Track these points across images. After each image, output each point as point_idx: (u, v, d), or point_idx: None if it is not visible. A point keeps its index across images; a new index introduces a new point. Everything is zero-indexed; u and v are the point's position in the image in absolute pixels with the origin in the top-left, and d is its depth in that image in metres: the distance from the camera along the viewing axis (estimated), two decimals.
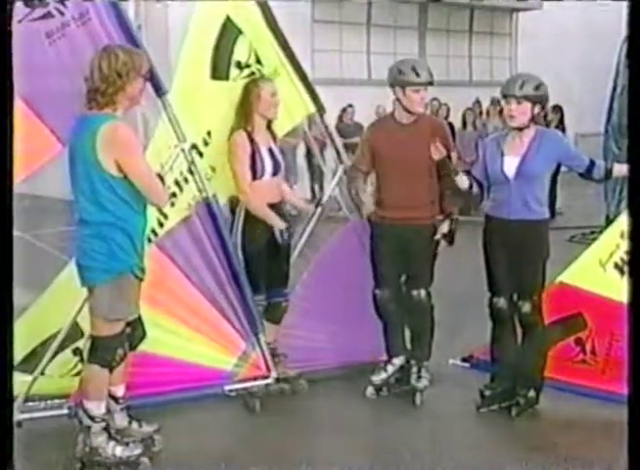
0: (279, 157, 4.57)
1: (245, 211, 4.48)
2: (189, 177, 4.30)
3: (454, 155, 4.69)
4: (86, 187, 3.57)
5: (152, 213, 4.11)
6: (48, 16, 3.76)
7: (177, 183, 4.26)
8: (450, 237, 4.62)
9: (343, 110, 12.83)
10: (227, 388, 4.40)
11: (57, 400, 4.09)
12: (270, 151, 4.51)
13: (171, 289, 4.30)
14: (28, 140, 3.56)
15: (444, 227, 4.63)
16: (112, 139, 3.50)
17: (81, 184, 3.59)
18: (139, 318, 3.88)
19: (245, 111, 4.44)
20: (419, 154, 4.48)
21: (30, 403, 4.05)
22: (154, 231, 4.22)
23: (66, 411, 4.00)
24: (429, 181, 4.57)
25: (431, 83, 4.54)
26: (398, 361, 4.73)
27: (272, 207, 4.52)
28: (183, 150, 4.20)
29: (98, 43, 3.76)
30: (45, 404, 4.05)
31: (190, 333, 4.32)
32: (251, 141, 4.42)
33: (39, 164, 3.84)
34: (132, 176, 3.55)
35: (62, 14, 3.80)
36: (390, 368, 4.72)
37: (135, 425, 3.98)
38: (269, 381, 4.49)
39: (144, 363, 4.14)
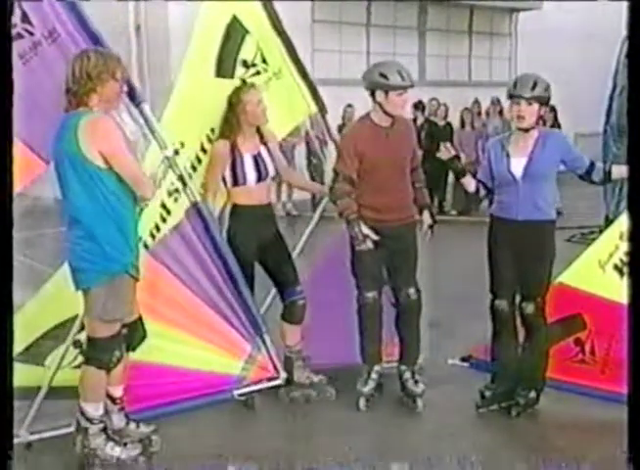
0: (268, 162, 4.54)
1: (230, 213, 4.49)
2: (188, 176, 4.29)
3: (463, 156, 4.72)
4: (75, 184, 3.58)
5: (155, 209, 4.12)
6: (18, 37, 3.73)
7: (181, 178, 4.24)
8: (432, 227, 4.72)
9: (345, 110, 12.81)
10: (236, 392, 4.38)
11: (64, 421, 4.01)
12: (256, 157, 4.50)
13: (171, 298, 4.28)
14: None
15: (428, 218, 4.73)
16: (93, 131, 3.52)
17: (70, 183, 3.60)
18: (140, 319, 3.89)
19: (230, 123, 4.44)
20: (401, 155, 4.55)
21: (40, 426, 4.01)
22: (157, 227, 4.21)
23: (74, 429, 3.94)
24: (409, 180, 4.64)
25: (412, 85, 4.47)
26: (379, 368, 4.69)
27: (259, 209, 4.53)
28: (167, 157, 4.15)
29: (70, 58, 3.72)
30: (54, 424, 3.99)
31: (194, 341, 4.30)
32: (234, 150, 4.43)
33: (24, 184, 3.78)
34: (116, 166, 3.56)
35: (31, 34, 3.77)
36: (375, 376, 4.66)
37: (133, 425, 3.98)
38: (279, 382, 4.47)
39: (150, 375, 4.15)
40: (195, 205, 4.26)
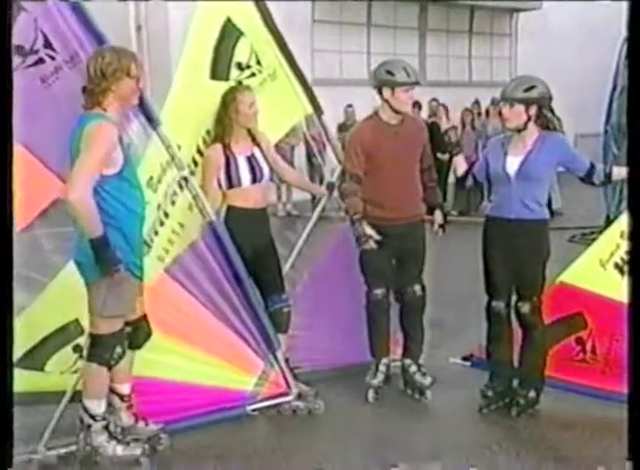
0: (262, 163, 4.51)
1: (224, 215, 4.46)
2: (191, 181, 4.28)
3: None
4: None
5: (153, 212, 4.13)
6: (40, 62, 3.81)
7: (177, 181, 4.25)
8: (444, 225, 4.77)
9: (346, 110, 12.80)
10: (249, 408, 4.38)
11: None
12: (250, 159, 4.47)
13: (185, 315, 4.28)
14: (32, 185, 3.66)
15: (439, 217, 4.78)
16: (90, 136, 3.52)
17: None
18: (144, 317, 3.90)
19: (223, 123, 4.43)
20: (410, 153, 4.59)
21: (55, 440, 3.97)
22: (155, 231, 4.20)
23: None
24: (417, 178, 4.68)
25: (418, 82, 4.56)
26: (387, 361, 4.77)
27: (254, 213, 4.50)
28: (184, 178, 4.18)
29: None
30: (70, 440, 3.93)
31: (208, 357, 4.30)
32: (227, 153, 4.41)
33: (44, 205, 3.87)
34: (77, 159, 3.52)
35: (53, 58, 3.83)
36: (384, 368, 4.73)
37: (141, 423, 4.01)
38: (290, 398, 4.47)
39: (164, 391, 4.16)
40: (210, 223, 4.27)
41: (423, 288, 4.71)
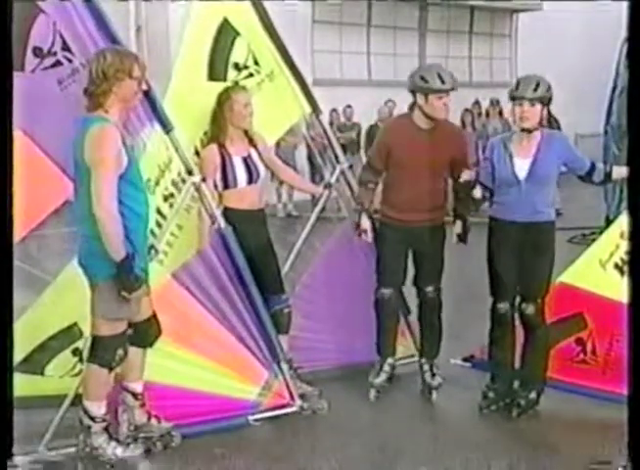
0: (258, 164, 4.51)
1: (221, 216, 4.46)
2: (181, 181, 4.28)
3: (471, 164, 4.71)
4: (80, 187, 3.60)
5: (151, 215, 4.12)
6: (57, 64, 3.83)
7: (174, 184, 4.24)
8: (465, 237, 4.72)
9: (333, 110, 12.67)
10: (251, 418, 4.36)
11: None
12: (246, 159, 4.46)
13: (192, 321, 4.27)
14: (47, 187, 3.73)
15: (458, 228, 4.73)
16: (93, 140, 3.51)
17: (77, 184, 3.63)
18: (154, 316, 3.90)
19: (218, 122, 4.43)
20: (436, 160, 4.51)
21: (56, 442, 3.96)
22: (152, 232, 4.19)
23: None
24: (441, 186, 4.64)
25: (454, 88, 4.46)
26: (392, 361, 4.78)
27: (250, 214, 4.49)
28: (194, 183, 4.19)
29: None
30: (70, 442, 3.92)
31: (212, 365, 4.28)
32: (223, 153, 4.40)
33: (56, 204, 3.92)
34: (92, 176, 3.50)
35: (70, 61, 3.86)
36: (388, 368, 4.75)
37: (154, 421, 4.02)
38: (294, 409, 4.44)
39: (167, 397, 4.15)
40: (219, 231, 4.27)
41: (436, 289, 4.71)
